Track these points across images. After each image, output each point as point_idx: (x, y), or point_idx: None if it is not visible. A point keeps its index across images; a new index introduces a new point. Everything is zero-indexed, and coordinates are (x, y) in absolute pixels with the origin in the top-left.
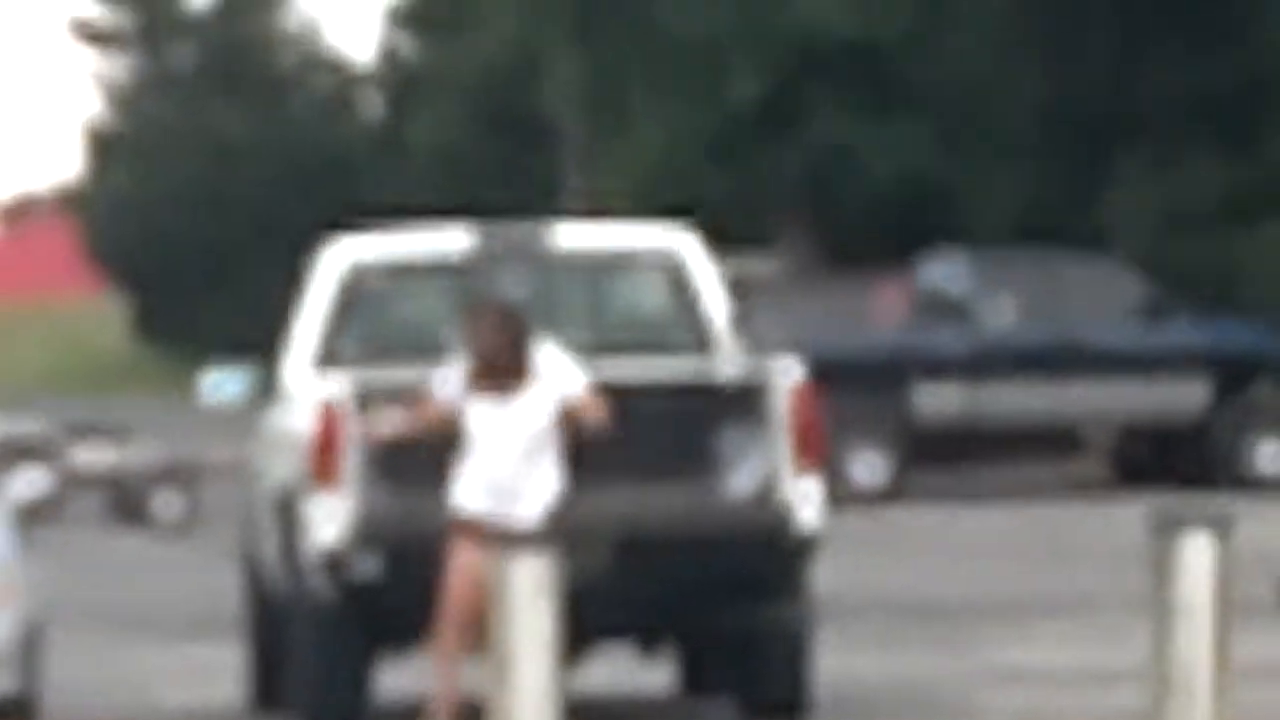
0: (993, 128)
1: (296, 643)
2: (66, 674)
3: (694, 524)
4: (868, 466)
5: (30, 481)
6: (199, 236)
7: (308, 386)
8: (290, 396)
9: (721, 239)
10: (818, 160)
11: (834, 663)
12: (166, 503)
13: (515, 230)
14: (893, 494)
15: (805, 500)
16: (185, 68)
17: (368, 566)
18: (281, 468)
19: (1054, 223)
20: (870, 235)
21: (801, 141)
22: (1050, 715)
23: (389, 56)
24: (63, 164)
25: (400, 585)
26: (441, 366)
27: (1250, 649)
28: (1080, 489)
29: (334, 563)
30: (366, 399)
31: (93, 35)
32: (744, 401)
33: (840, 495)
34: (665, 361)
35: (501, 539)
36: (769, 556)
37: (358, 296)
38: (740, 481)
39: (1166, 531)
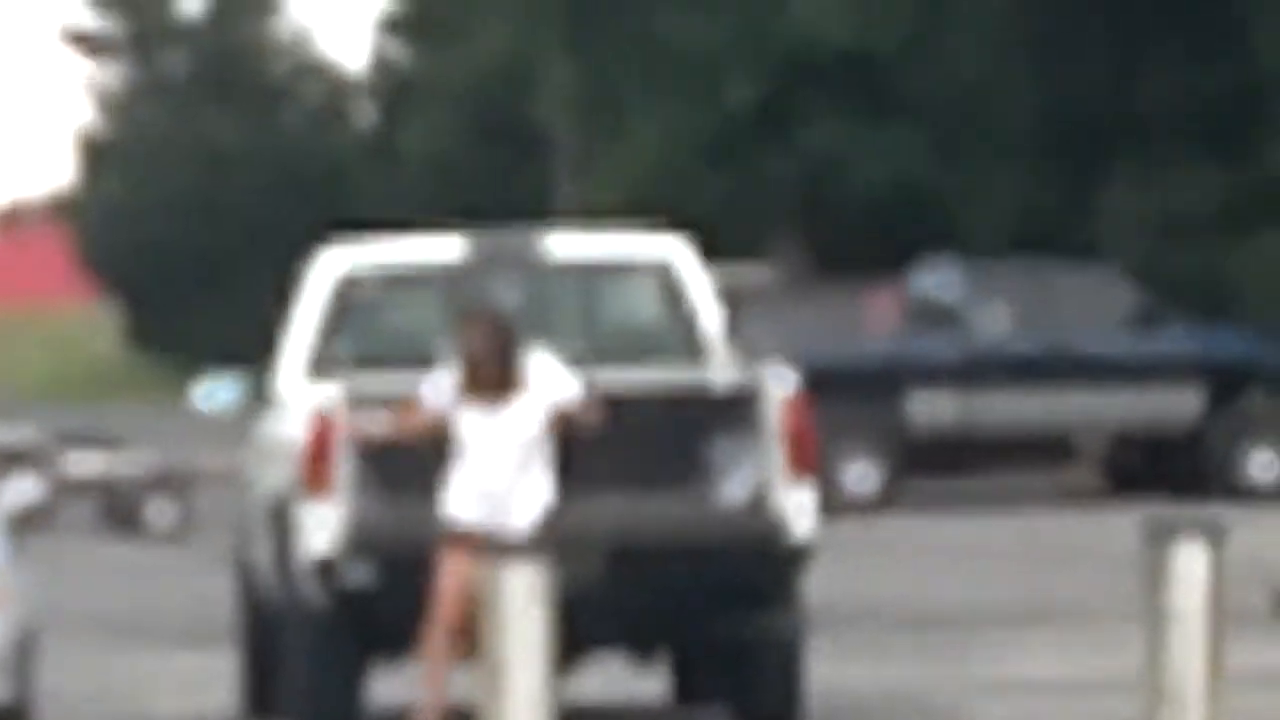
0: (987, 135)
1: (289, 650)
2: (60, 682)
3: (687, 533)
4: (860, 475)
5: (22, 489)
6: (192, 244)
7: (300, 394)
8: (283, 404)
9: (715, 247)
10: (812, 168)
11: (827, 672)
12: (159, 510)
13: (508, 238)
14: (885, 502)
15: (798, 509)
16: (178, 76)
17: (360, 574)
18: (274, 475)
19: (1047, 231)
20: (863, 243)
21: (795, 149)
22: None
23: (381, 64)
24: (55, 172)
25: (393, 593)
26: (432, 373)
27: (1243, 657)
28: (1073, 497)
29: (326, 570)
30: (356, 400)
31: (85, 43)
32: (736, 410)
33: (833, 504)
34: (658, 370)
35: (493, 548)
36: (762, 565)
37: (350, 304)
38: (733, 490)
39: (1159, 540)
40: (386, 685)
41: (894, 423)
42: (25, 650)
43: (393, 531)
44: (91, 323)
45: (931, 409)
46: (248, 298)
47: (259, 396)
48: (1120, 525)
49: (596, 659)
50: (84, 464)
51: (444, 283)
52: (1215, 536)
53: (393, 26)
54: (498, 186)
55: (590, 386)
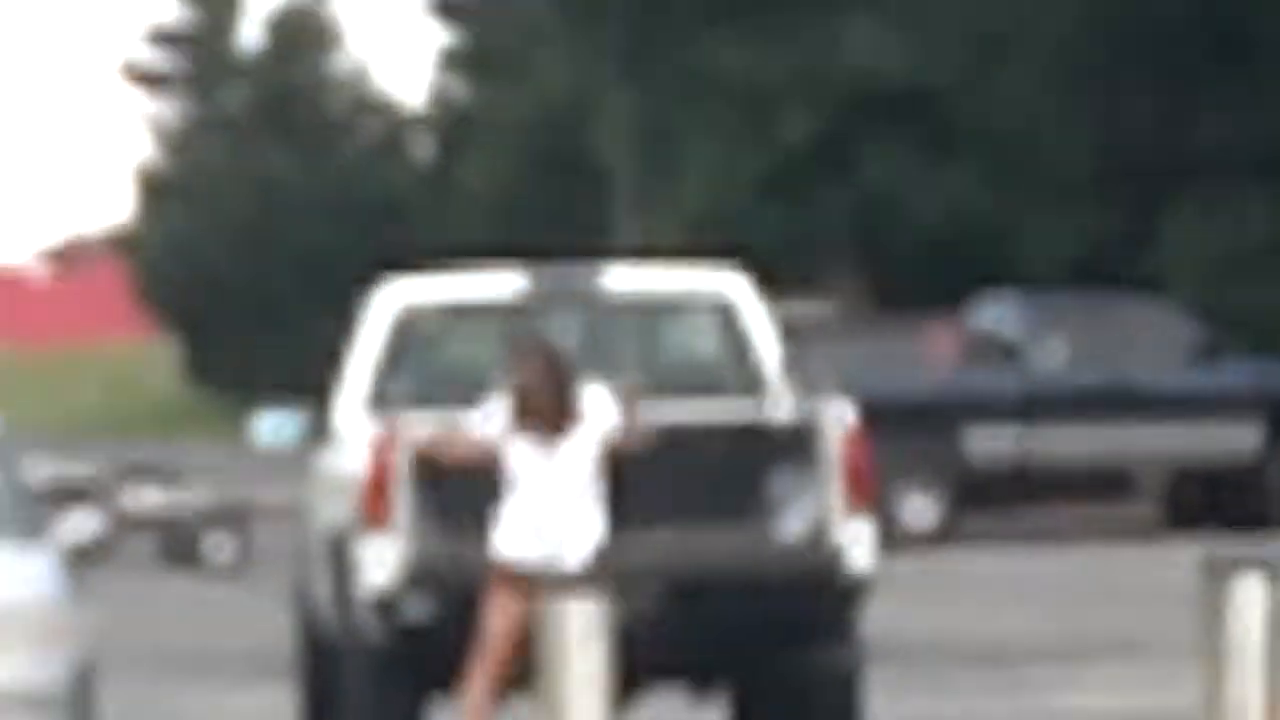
0: (1044, 170)
1: (348, 685)
2: (118, 717)
3: (745, 566)
4: (918, 509)
5: (82, 524)
6: (250, 279)
7: (359, 428)
8: (341, 438)
9: (772, 281)
10: (869, 202)
11: (885, 706)
12: (218, 545)
13: (567, 273)
14: (943, 536)
15: (856, 543)
16: (237, 111)
17: (419, 609)
18: (333, 509)
19: (1106, 265)
20: (922, 277)
21: (853, 183)
22: None
23: (440, 99)
24: (114, 207)
25: (452, 628)
26: (485, 403)
27: None
28: (1132, 532)
29: (385, 605)
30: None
31: (144, 78)
32: (795, 444)
33: (891, 538)
34: (716, 404)
35: (548, 583)
36: (820, 599)
37: (409, 338)
38: (792, 524)
39: (1218, 574)
40: None
41: (952, 457)
42: (83, 685)
43: (452, 566)
44: (150, 358)
45: (990, 443)
46: (306, 333)
47: (318, 431)
48: (1179, 560)
49: (655, 693)
50: (143, 499)
51: (503, 318)
52: (1274, 571)
53: (451, 61)
54: (556, 221)
55: (630, 411)
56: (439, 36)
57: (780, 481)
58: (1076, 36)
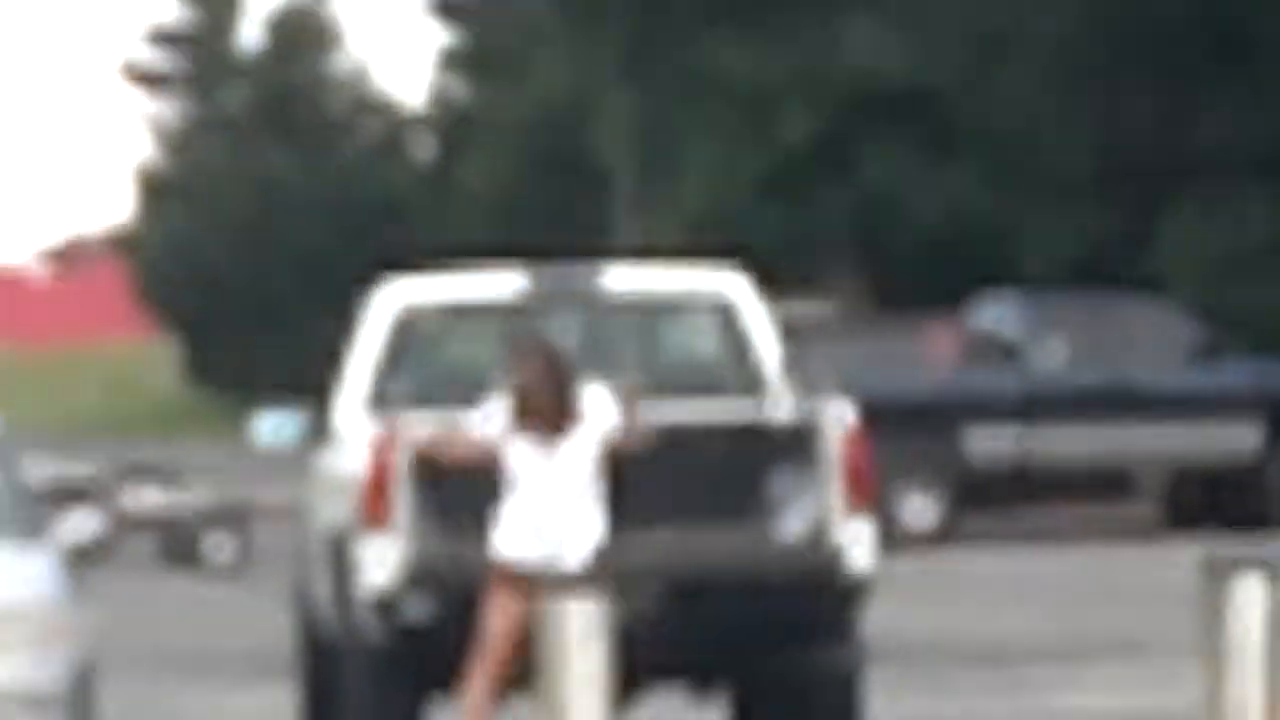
0: (1044, 170)
1: (348, 685)
2: (118, 717)
3: (745, 566)
4: (918, 509)
5: (81, 524)
6: (250, 279)
7: (359, 428)
8: (341, 438)
9: (773, 281)
10: (869, 202)
11: (885, 706)
12: (218, 545)
13: (567, 273)
14: (943, 536)
15: (856, 543)
16: (237, 111)
17: (419, 609)
18: (333, 510)
19: (1106, 265)
20: (922, 277)
21: (853, 183)
22: None
23: (440, 99)
24: (114, 207)
25: (452, 628)
26: (484, 402)
27: None
28: (1132, 532)
29: (385, 605)
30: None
31: (144, 78)
32: (795, 444)
33: (891, 538)
34: (716, 404)
35: (548, 584)
36: (820, 599)
37: (409, 339)
38: (791, 524)
39: (1218, 574)
40: None
41: (952, 457)
42: (83, 685)
43: (452, 566)
44: (150, 358)
45: (990, 443)
46: (306, 333)
47: (318, 431)
48: (1179, 560)
49: (655, 692)
50: (143, 499)
51: (503, 318)
52: (1274, 571)
53: (451, 61)
54: (556, 221)
55: (629, 411)
56: (439, 36)
57: (780, 481)
58: (1076, 36)
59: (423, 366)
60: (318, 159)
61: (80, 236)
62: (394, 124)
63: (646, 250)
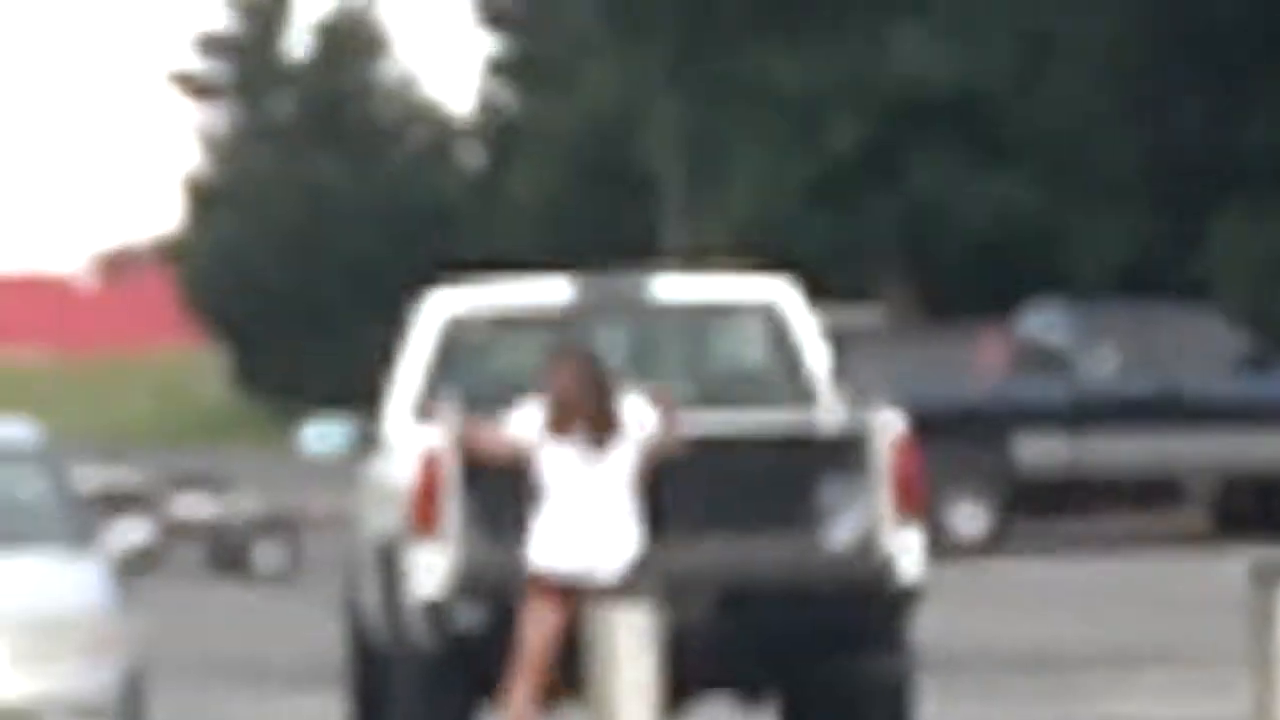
0: (1094, 177)
1: (398, 693)
2: None
3: (795, 575)
4: (968, 517)
5: (131, 532)
6: (298, 287)
7: (408, 437)
8: (390, 447)
9: (822, 288)
10: (917, 209)
11: (935, 714)
12: (267, 553)
13: (615, 281)
14: (993, 545)
15: (906, 551)
16: (285, 119)
17: (468, 617)
18: (382, 518)
19: (1155, 273)
20: (971, 285)
21: (902, 190)
22: None
23: (488, 107)
24: (162, 215)
25: (501, 636)
26: (523, 405)
27: None
28: (1182, 540)
29: (435, 613)
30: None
31: (193, 87)
32: (844, 452)
33: (941, 546)
34: (766, 413)
35: (585, 594)
36: (870, 607)
37: (457, 347)
38: (841, 533)
39: (1267, 582)
40: None
41: (1002, 465)
42: (133, 693)
43: (501, 574)
44: (199, 366)
45: (1039, 451)
46: (355, 341)
47: (366, 439)
48: (1229, 567)
49: (705, 701)
50: (192, 507)
51: (551, 325)
52: None
53: (499, 69)
54: (604, 229)
55: (664, 416)
56: (487, 45)
57: (829, 490)
58: (1125, 40)
59: (471, 375)
60: (366, 167)
61: (129, 245)
62: (442, 132)
63: (694, 259)
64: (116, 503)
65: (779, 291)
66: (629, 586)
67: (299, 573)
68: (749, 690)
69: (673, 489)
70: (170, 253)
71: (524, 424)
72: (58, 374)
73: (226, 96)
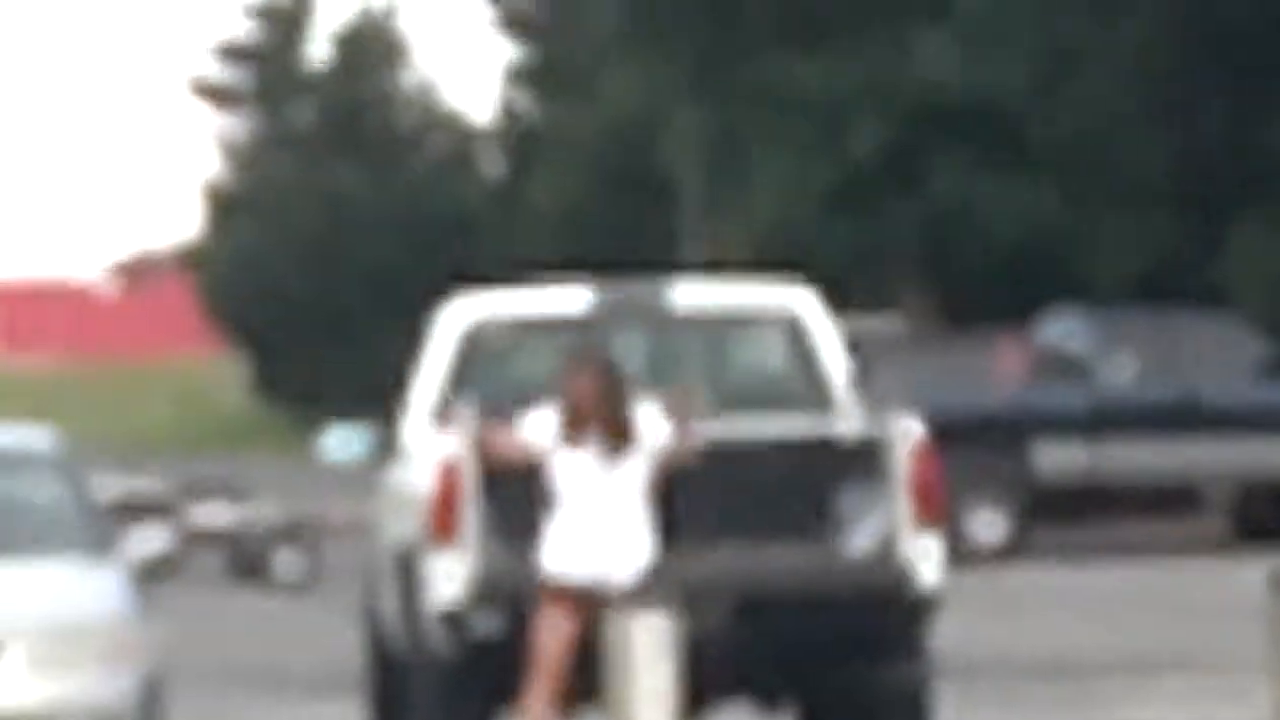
0: (1115, 183)
1: (416, 700)
2: None
3: (813, 582)
4: (987, 524)
5: (150, 540)
6: (318, 295)
7: (427, 444)
8: (410, 454)
9: (841, 296)
10: (937, 216)
11: None
12: (286, 561)
13: (635, 289)
14: (1012, 552)
15: (925, 558)
16: (305, 127)
17: (487, 624)
18: (401, 525)
19: (1175, 280)
20: (991, 292)
21: (922, 197)
22: None
23: (508, 115)
24: (182, 223)
25: (520, 643)
26: (538, 409)
27: None
28: (1200, 547)
29: (453, 620)
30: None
31: (212, 94)
32: (863, 459)
33: (960, 553)
34: (785, 419)
35: (603, 602)
36: (889, 615)
37: (477, 354)
38: (860, 540)
39: None
40: None
41: (1021, 472)
42: (153, 701)
43: (520, 581)
44: (218, 373)
45: (1059, 458)
46: (374, 348)
47: (386, 446)
48: (1248, 575)
49: (723, 708)
50: (211, 515)
51: (571, 332)
52: None
53: (519, 77)
54: (624, 236)
55: (679, 420)
56: (507, 52)
57: (849, 497)
58: (1147, 45)
59: (490, 382)
60: (386, 174)
61: (149, 252)
62: (462, 139)
63: (714, 265)
64: (135, 510)
65: (799, 299)
66: (645, 594)
67: (318, 580)
68: (767, 698)
69: (692, 496)
70: (190, 260)
71: (538, 428)
72: (77, 381)
73: (246, 104)
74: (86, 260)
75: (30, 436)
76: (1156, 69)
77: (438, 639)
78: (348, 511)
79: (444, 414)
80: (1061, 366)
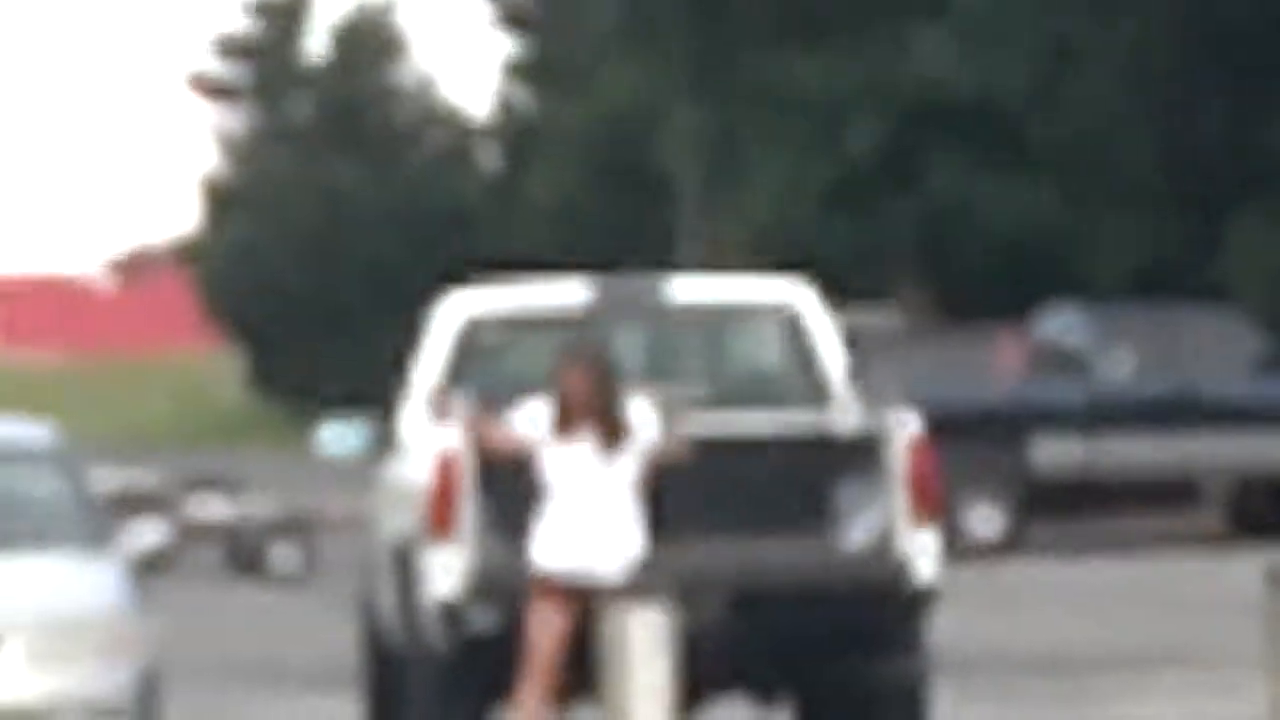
0: (1112, 180)
1: (413, 694)
2: None
3: (810, 577)
4: (984, 519)
5: (147, 533)
6: (316, 289)
7: (424, 438)
8: (407, 448)
9: (839, 291)
10: (935, 213)
11: (950, 716)
12: (283, 555)
13: (632, 283)
14: (1009, 546)
15: (922, 553)
16: (303, 121)
17: (484, 619)
18: (398, 519)
19: (1173, 275)
20: (988, 287)
21: (919, 194)
22: None
23: (506, 110)
24: (180, 217)
25: (516, 637)
26: (530, 402)
27: None
28: (1198, 542)
29: (450, 615)
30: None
31: (210, 89)
32: (860, 454)
33: (957, 548)
34: (782, 414)
35: (592, 595)
36: (885, 609)
37: (474, 349)
38: (856, 534)
39: None
40: None
41: (1018, 467)
42: (150, 695)
43: (517, 576)
44: (215, 368)
45: (1056, 453)
46: (372, 343)
47: (383, 441)
48: (1245, 570)
49: (719, 702)
50: (208, 508)
51: (568, 327)
52: None
53: (517, 72)
54: (621, 231)
55: (668, 423)
56: (505, 47)
57: (845, 492)
58: (1145, 43)
59: (487, 376)
60: (384, 169)
61: (146, 247)
62: (460, 135)
63: (711, 261)
64: (133, 504)
65: (795, 293)
66: (640, 588)
67: (315, 574)
68: (763, 692)
69: (690, 490)
70: (187, 255)
71: (529, 420)
72: (74, 375)
73: (244, 98)
74: (84, 255)
75: (28, 431)
76: (1156, 68)
77: (435, 633)
78: (345, 506)
79: (435, 402)
80: (1059, 361)
